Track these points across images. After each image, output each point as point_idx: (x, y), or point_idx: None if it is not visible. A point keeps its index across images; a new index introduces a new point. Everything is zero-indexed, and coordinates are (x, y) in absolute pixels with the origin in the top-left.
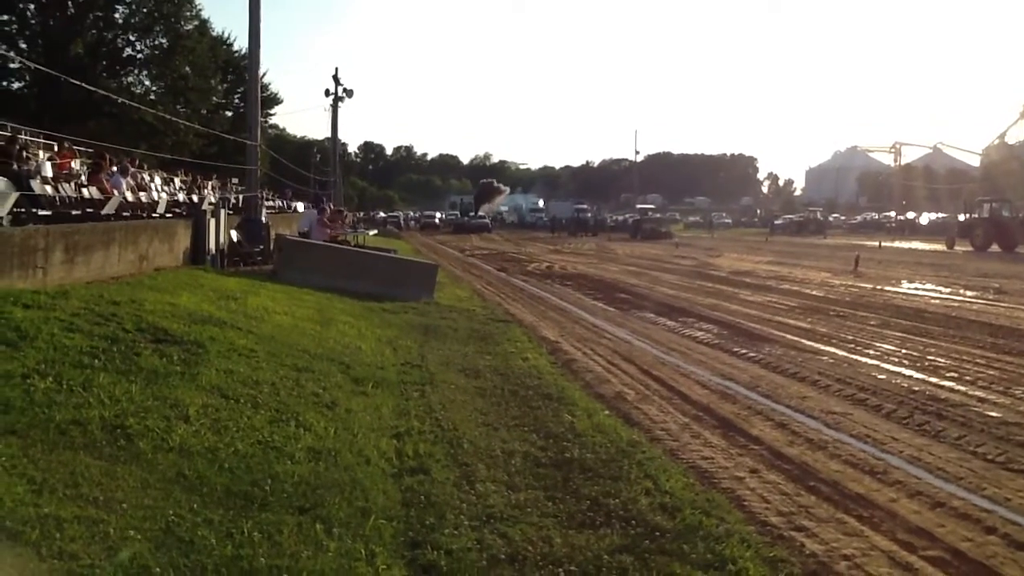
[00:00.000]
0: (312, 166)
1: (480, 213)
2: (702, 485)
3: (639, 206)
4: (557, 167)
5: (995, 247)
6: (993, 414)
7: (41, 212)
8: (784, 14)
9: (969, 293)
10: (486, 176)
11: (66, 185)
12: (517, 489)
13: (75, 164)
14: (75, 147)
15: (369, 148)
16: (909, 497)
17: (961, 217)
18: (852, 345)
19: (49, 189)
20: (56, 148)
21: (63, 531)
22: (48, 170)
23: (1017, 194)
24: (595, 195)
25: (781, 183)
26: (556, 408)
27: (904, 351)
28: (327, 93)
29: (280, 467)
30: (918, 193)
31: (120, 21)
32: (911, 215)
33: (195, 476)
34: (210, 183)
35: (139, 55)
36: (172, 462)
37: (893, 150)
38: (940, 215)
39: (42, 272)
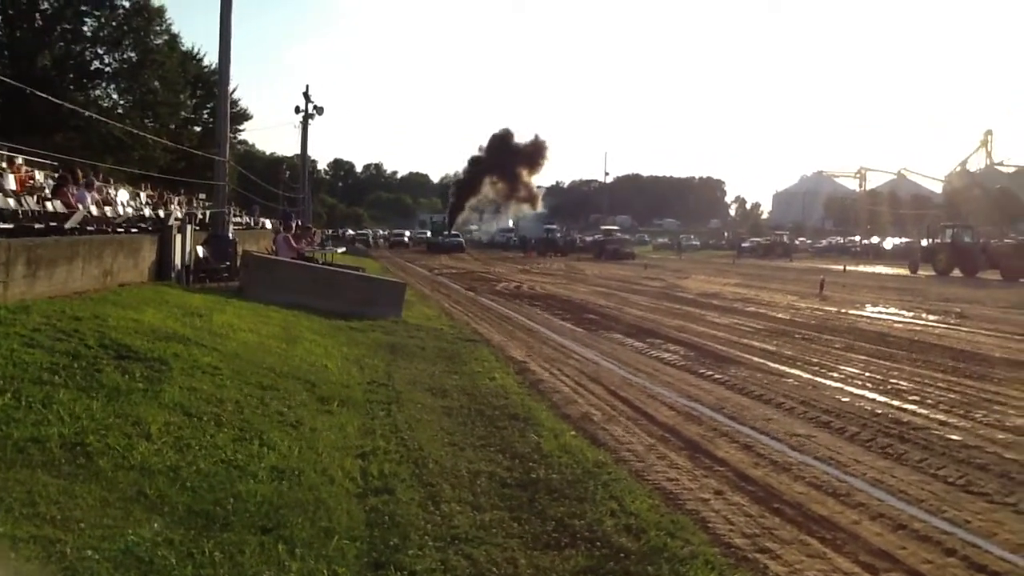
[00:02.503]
0: (281, 183)
1: (454, 232)
2: (667, 506)
3: (603, 227)
4: None
5: (957, 272)
6: (954, 437)
7: (3, 225)
8: (752, 41)
9: (931, 317)
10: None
11: (29, 198)
12: (482, 510)
13: (39, 176)
14: (39, 160)
15: (339, 165)
16: (871, 519)
17: (924, 242)
18: (817, 368)
19: (12, 202)
20: (12, 163)
21: (18, 551)
22: (11, 183)
23: (978, 220)
24: (565, 215)
25: (748, 206)
26: (523, 428)
27: (868, 374)
28: (297, 110)
29: (243, 486)
30: (882, 218)
31: (89, 34)
32: (875, 239)
33: (156, 495)
34: (177, 198)
35: (107, 68)
36: (133, 481)
37: (858, 175)
38: (904, 240)
39: (2, 286)
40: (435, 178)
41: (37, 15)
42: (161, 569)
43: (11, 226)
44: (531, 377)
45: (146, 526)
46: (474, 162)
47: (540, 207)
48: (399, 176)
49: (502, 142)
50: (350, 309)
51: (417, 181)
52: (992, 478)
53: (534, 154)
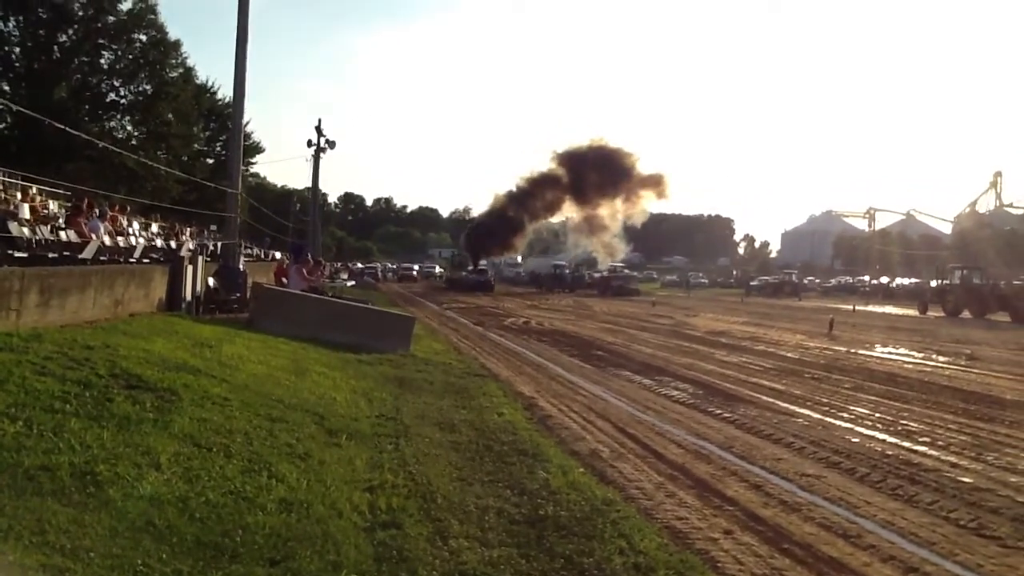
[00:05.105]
0: (292, 215)
1: (481, 265)
2: (676, 545)
3: (609, 263)
4: None
5: (966, 313)
6: (965, 480)
7: (17, 254)
8: (764, 80)
9: (942, 358)
10: (466, 230)
11: (43, 227)
12: (490, 546)
13: (53, 206)
14: (52, 190)
15: (349, 199)
16: (882, 561)
17: (933, 283)
18: (826, 408)
19: (26, 231)
20: (26, 193)
21: None
22: (25, 212)
23: (988, 261)
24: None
25: (757, 245)
26: (531, 464)
27: (878, 415)
28: (309, 143)
29: (251, 518)
30: (892, 258)
31: (105, 66)
32: (885, 280)
33: (165, 525)
34: (189, 230)
35: (123, 100)
36: (142, 510)
37: (867, 215)
38: (912, 280)
39: (15, 314)
40: (445, 212)
41: (55, 47)
42: None
43: (25, 255)
44: (539, 413)
45: (155, 556)
46: (535, 180)
47: (621, 254)
48: (409, 210)
49: (601, 159)
50: (359, 342)
51: (427, 216)
52: (1005, 521)
53: (641, 187)
